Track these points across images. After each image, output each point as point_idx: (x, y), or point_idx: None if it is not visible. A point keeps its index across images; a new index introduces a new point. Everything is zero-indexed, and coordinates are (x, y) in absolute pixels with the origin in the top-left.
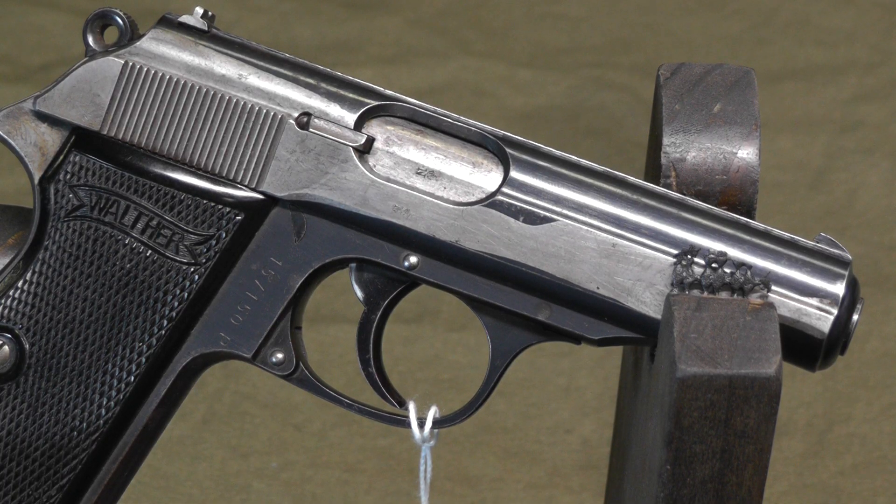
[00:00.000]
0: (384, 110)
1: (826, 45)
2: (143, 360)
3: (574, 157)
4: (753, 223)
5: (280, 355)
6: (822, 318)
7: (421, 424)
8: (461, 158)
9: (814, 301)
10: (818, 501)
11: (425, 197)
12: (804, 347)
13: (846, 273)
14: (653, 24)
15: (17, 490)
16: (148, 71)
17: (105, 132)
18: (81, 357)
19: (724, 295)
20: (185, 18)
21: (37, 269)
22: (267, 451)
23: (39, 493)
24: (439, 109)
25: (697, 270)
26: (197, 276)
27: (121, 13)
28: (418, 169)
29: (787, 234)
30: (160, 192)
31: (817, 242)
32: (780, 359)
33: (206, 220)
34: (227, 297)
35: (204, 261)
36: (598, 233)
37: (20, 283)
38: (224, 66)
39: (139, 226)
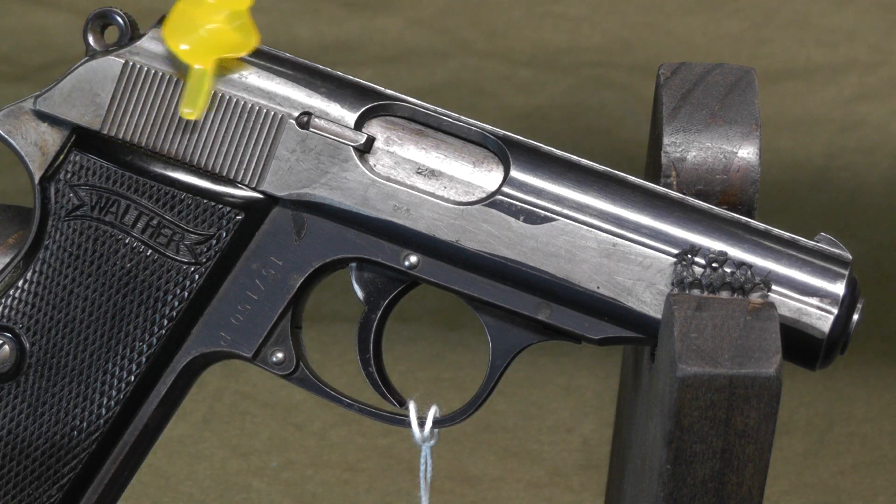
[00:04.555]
0: (385, 110)
1: (826, 45)
2: (144, 359)
3: (574, 157)
4: (754, 223)
5: (280, 355)
6: (822, 318)
7: (421, 424)
8: (461, 158)
9: (814, 301)
10: (818, 501)
11: (425, 196)
12: (804, 347)
13: (846, 273)
14: (653, 24)
15: (18, 490)
16: (148, 70)
17: (105, 132)
18: (82, 357)
19: (724, 294)
20: None
21: (37, 269)
22: (267, 450)
23: (40, 493)
24: (440, 109)
25: (698, 270)
26: (197, 276)
27: (121, 13)
28: (419, 168)
29: (787, 234)
30: (160, 192)
31: (817, 242)
32: (781, 358)
33: (207, 220)
34: (228, 296)
35: (204, 260)
36: (599, 232)
37: (20, 283)
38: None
39: (139, 225)
